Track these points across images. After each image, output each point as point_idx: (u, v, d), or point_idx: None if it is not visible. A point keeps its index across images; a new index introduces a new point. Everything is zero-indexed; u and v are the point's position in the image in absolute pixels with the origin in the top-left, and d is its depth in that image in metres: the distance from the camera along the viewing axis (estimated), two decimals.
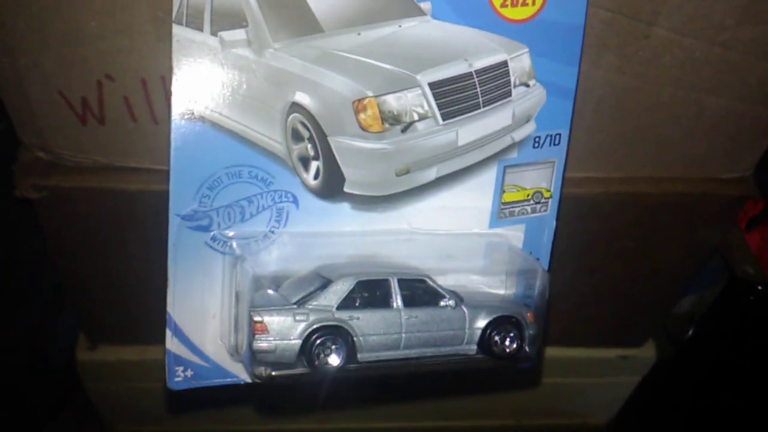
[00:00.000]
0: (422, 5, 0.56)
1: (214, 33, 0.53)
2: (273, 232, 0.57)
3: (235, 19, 0.54)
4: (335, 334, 0.53)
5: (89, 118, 0.68)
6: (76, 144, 0.71)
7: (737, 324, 1.02)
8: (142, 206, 0.74)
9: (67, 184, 0.73)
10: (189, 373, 0.57)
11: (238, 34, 0.53)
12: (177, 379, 0.57)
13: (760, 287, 0.96)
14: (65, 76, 0.64)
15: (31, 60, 0.63)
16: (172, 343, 0.56)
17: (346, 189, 0.57)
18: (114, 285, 0.88)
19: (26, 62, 0.64)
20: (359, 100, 0.54)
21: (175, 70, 0.52)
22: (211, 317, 0.57)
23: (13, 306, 1.06)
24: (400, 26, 0.58)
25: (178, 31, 0.51)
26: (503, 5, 0.56)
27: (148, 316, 0.84)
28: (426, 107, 0.57)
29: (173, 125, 0.52)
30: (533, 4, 0.57)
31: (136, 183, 0.73)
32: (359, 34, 0.57)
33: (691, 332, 1.07)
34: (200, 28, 0.53)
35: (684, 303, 1.10)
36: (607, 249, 0.89)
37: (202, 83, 0.52)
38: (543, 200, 0.64)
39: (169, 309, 0.56)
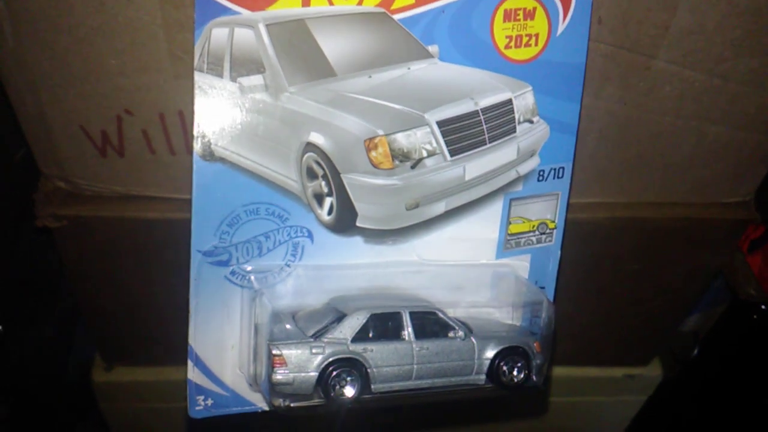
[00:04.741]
0: (430, 48, 0.59)
1: (233, 79, 0.56)
2: (289, 266, 0.60)
3: (253, 66, 0.57)
4: (350, 366, 0.55)
5: (109, 151, 0.70)
6: (95, 175, 0.73)
7: (741, 343, 1.03)
8: (159, 234, 0.76)
9: (86, 213, 0.75)
10: (209, 402, 0.59)
11: (256, 79, 0.56)
12: (198, 408, 0.59)
13: (763, 306, 0.97)
14: (86, 111, 0.67)
15: (53, 96, 0.66)
16: (193, 373, 0.58)
17: (358, 223, 0.59)
18: (131, 309, 0.90)
19: (48, 98, 0.66)
20: (371, 139, 0.57)
21: (197, 114, 0.54)
22: (230, 348, 0.59)
23: (30, 322, 1.08)
24: (409, 68, 0.61)
25: (199, 78, 0.54)
26: (507, 46, 0.59)
27: (164, 339, 0.86)
28: (434, 144, 0.59)
29: (195, 166, 0.55)
30: (536, 45, 0.59)
31: (154, 211, 0.75)
32: (370, 76, 0.60)
33: (696, 351, 1.08)
34: (220, 75, 0.55)
35: (689, 322, 1.11)
36: (613, 271, 0.90)
37: (222, 126, 0.55)
38: (548, 231, 0.66)
39: (191, 341, 0.58)
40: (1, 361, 1.03)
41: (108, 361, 1.04)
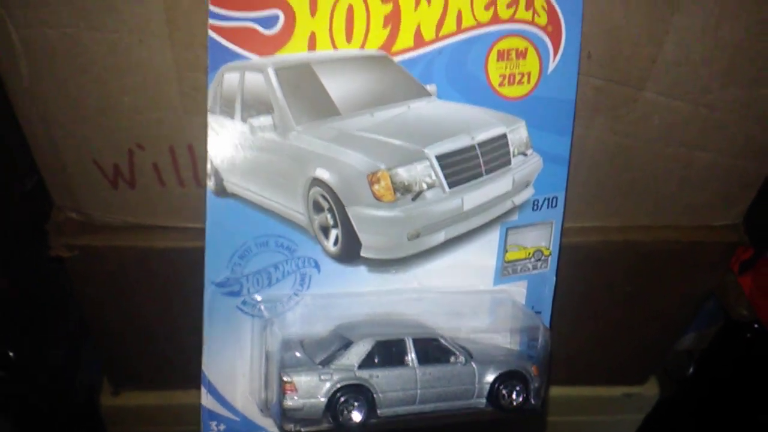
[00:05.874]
0: (428, 87, 0.61)
1: (244, 119, 0.59)
2: (297, 295, 0.62)
3: (262, 107, 0.60)
4: (357, 392, 0.57)
5: (120, 183, 0.72)
6: (107, 205, 0.75)
7: (735, 362, 1.05)
8: (168, 262, 0.78)
9: (98, 242, 0.77)
10: (221, 427, 0.61)
11: (265, 120, 0.59)
12: None
13: (756, 326, 0.99)
14: (99, 145, 0.69)
15: (67, 131, 0.68)
16: (206, 399, 0.60)
17: (362, 254, 0.62)
18: (140, 335, 0.91)
19: (62, 133, 0.68)
20: (373, 173, 0.59)
21: (210, 152, 0.57)
22: (241, 375, 0.62)
23: (38, 344, 1.09)
24: (408, 107, 0.64)
25: (212, 119, 0.57)
26: (501, 84, 0.62)
27: (172, 364, 0.88)
28: (434, 177, 0.62)
29: (208, 202, 0.57)
30: (528, 82, 0.62)
31: (163, 241, 0.77)
32: (372, 114, 0.63)
33: (691, 370, 1.09)
34: (231, 116, 0.58)
35: (684, 341, 1.12)
36: (607, 293, 0.92)
37: (233, 163, 0.58)
38: (543, 258, 0.69)
39: (204, 368, 0.60)
40: (10, 384, 1.04)
41: (115, 386, 1.05)
